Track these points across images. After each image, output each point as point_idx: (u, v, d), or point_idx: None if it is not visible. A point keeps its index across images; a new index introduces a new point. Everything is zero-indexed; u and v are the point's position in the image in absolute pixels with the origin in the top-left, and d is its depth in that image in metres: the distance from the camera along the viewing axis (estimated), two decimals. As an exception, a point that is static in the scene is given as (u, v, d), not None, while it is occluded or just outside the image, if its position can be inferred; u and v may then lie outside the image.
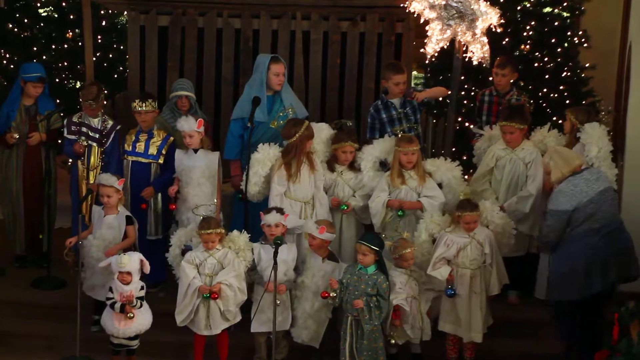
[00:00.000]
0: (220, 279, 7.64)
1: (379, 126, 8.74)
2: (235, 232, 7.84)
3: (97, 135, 8.86)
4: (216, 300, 7.63)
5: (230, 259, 7.69)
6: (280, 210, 7.84)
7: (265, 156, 8.22)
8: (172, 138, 8.70)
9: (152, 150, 8.66)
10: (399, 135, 8.21)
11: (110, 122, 8.90)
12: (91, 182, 8.78)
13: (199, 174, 8.38)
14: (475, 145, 8.76)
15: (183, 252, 7.87)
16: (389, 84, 8.69)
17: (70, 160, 9.08)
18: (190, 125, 8.35)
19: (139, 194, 8.59)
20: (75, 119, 8.91)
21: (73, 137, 8.85)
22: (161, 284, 8.66)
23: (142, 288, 7.66)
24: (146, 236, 8.63)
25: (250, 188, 8.23)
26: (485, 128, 8.78)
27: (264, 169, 8.21)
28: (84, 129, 8.86)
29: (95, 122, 8.87)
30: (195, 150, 8.40)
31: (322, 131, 8.43)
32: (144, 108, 8.60)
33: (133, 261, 7.59)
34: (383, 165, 8.42)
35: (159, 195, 8.68)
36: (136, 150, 8.68)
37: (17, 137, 8.94)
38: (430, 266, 7.75)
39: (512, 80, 9.09)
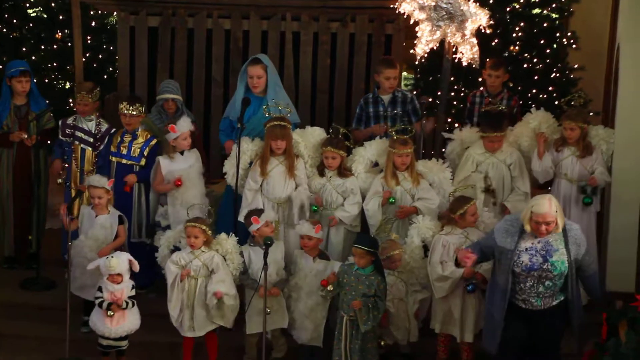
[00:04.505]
0: (217, 288, 7.58)
1: (365, 119, 8.79)
2: (223, 235, 7.83)
3: (91, 139, 8.87)
4: (217, 311, 7.63)
5: (218, 262, 7.66)
6: (258, 212, 7.85)
7: (244, 149, 8.26)
8: (155, 140, 8.70)
9: (135, 152, 8.67)
10: (394, 137, 8.21)
11: (105, 126, 8.91)
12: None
13: (194, 173, 8.42)
14: (447, 149, 8.72)
15: (172, 253, 7.87)
16: (380, 78, 8.74)
17: (64, 167, 9.05)
18: (189, 125, 8.40)
19: (123, 195, 8.58)
20: (69, 121, 8.91)
21: (66, 139, 8.86)
22: (150, 286, 8.63)
23: (132, 287, 7.67)
24: (130, 239, 8.61)
25: (231, 180, 8.31)
26: (455, 131, 8.76)
27: (241, 161, 8.24)
28: (78, 133, 8.87)
29: (89, 126, 8.88)
30: (181, 152, 8.41)
31: (312, 136, 8.44)
32: (129, 111, 8.62)
33: (122, 262, 7.60)
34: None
35: (143, 198, 8.68)
36: (120, 151, 8.69)
37: (25, 136, 8.93)
38: (440, 269, 7.66)
39: (503, 82, 9.12)
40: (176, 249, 7.89)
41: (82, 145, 8.87)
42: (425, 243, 7.88)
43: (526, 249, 7.02)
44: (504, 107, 8.78)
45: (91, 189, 8.08)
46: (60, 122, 8.96)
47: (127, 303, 7.61)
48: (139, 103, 8.70)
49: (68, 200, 8.68)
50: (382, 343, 7.72)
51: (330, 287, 7.57)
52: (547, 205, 6.94)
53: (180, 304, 7.68)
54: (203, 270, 7.67)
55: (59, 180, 8.95)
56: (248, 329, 7.81)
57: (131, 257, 7.68)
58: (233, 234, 7.85)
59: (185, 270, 7.64)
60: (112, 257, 7.62)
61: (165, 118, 8.88)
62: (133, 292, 7.66)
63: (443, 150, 9.34)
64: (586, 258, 7.11)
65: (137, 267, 7.69)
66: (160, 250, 7.95)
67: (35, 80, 9.24)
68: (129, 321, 7.66)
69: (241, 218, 8.17)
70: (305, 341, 7.86)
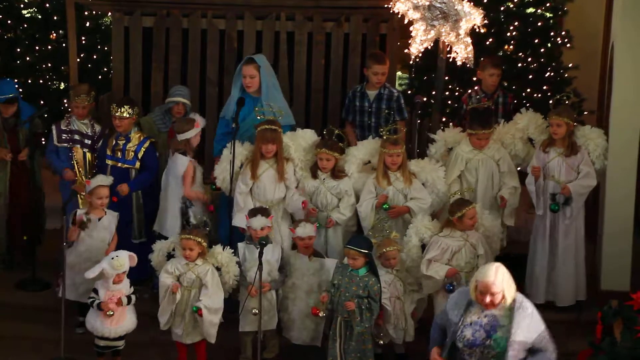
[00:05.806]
0: (201, 305, 7.59)
1: (352, 111, 8.92)
2: (218, 247, 7.80)
3: (89, 142, 8.86)
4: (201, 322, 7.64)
5: (209, 278, 7.60)
6: (265, 213, 7.83)
7: (235, 153, 8.25)
8: (149, 140, 8.69)
9: (129, 155, 8.64)
10: (384, 137, 8.22)
11: (98, 127, 8.91)
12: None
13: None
14: (431, 150, 8.68)
15: (168, 257, 7.86)
16: (369, 73, 8.82)
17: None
18: (203, 121, 8.54)
19: (119, 198, 8.57)
20: (63, 126, 8.87)
21: (65, 145, 8.84)
22: (144, 284, 8.62)
23: (130, 285, 7.69)
24: (131, 240, 8.61)
25: (220, 183, 8.33)
26: (438, 132, 8.74)
27: (230, 165, 8.25)
28: (76, 137, 8.85)
29: (85, 128, 8.86)
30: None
31: (303, 138, 8.43)
32: (118, 114, 8.59)
33: (126, 260, 7.63)
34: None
35: (141, 199, 8.66)
36: (115, 155, 8.67)
37: (10, 156, 8.91)
38: (424, 267, 7.72)
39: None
40: (170, 255, 7.87)
41: (84, 150, 8.86)
42: (423, 242, 7.88)
43: (471, 323, 6.30)
44: (491, 105, 8.81)
45: (100, 189, 8.05)
46: (53, 128, 8.90)
47: (128, 299, 7.61)
48: (128, 105, 8.64)
49: (66, 197, 8.68)
50: (380, 342, 7.72)
51: (322, 314, 7.58)
52: (493, 275, 6.14)
53: (169, 313, 7.66)
54: (197, 282, 7.65)
55: (73, 176, 8.89)
56: (241, 327, 7.82)
57: (130, 252, 7.69)
58: (228, 246, 7.82)
59: (175, 285, 7.60)
60: (117, 256, 7.61)
61: (168, 121, 8.90)
62: (131, 289, 7.69)
63: (418, 150, 9.33)
64: (542, 343, 6.31)
65: (135, 260, 7.67)
66: (154, 257, 7.92)
67: (22, 97, 9.20)
68: (127, 320, 7.67)
69: (235, 222, 8.17)
70: (307, 341, 7.86)
